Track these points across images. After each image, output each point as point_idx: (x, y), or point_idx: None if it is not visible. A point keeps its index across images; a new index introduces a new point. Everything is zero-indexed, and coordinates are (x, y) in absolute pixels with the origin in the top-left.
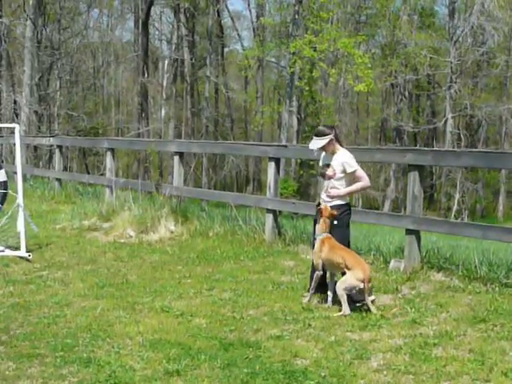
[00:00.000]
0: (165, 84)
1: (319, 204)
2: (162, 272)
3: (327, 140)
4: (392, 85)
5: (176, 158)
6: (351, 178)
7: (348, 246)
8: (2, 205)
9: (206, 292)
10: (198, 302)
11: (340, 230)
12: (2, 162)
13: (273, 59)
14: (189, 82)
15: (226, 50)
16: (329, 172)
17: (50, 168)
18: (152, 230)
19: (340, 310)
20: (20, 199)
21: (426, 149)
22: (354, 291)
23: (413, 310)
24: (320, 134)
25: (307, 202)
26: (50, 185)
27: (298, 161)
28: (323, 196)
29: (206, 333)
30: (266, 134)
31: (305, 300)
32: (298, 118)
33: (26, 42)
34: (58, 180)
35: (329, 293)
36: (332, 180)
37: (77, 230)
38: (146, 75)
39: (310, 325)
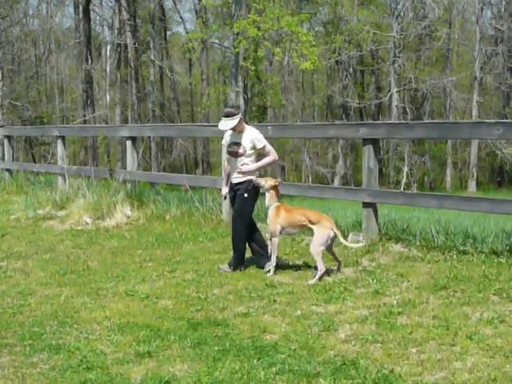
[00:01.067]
0: (108, 70)
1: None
2: (122, 257)
3: (238, 120)
4: (336, 62)
5: (128, 142)
6: (259, 154)
7: (251, 219)
8: None
9: (168, 274)
10: (162, 284)
11: (248, 202)
12: None
13: (216, 41)
14: (133, 67)
15: (168, 33)
16: (240, 150)
17: None
18: (108, 216)
19: (309, 279)
20: None
21: (379, 122)
22: (328, 241)
23: (374, 280)
24: (230, 115)
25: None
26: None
27: None
28: (234, 174)
29: (173, 314)
30: (213, 115)
31: (270, 274)
32: (244, 98)
33: None
34: (8, 170)
35: (268, 261)
36: (242, 157)
37: (32, 219)
38: (89, 62)
39: (275, 300)
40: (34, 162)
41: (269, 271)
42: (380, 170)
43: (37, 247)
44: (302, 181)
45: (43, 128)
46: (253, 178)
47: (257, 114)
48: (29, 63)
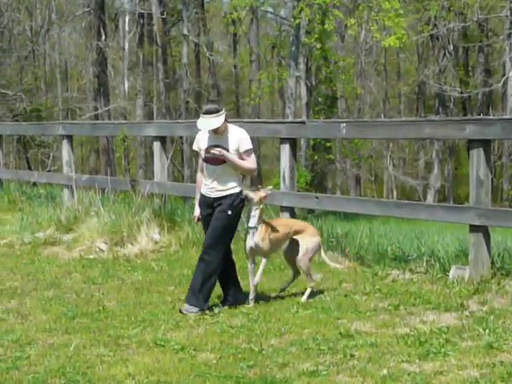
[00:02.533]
0: (127, 48)
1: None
2: (148, 295)
3: (223, 117)
4: (431, 36)
5: (156, 144)
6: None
7: (231, 239)
8: None
9: (209, 318)
10: (202, 331)
11: (231, 222)
12: None
13: (270, 9)
14: (159, 44)
15: None
16: (219, 152)
17: None
18: (129, 241)
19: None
20: None
21: (493, 118)
22: (317, 250)
23: (486, 330)
24: (213, 111)
25: (337, 196)
26: None
27: (311, 143)
28: (212, 184)
29: (218, 371)
30: (264, 108)
31: (251, 303)
32: (307, 86)
33: None
34: None
35: (252, 285)
36: (226, 163)
37: (29, 245)
38: (102, 37)
39: (352, 355)
40: (30, 168)
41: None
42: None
43: (36, 281)
44: (384, 195)
45: (44, 125)
46: (239, 189)
47: (324, 107)
48: (23, 39)
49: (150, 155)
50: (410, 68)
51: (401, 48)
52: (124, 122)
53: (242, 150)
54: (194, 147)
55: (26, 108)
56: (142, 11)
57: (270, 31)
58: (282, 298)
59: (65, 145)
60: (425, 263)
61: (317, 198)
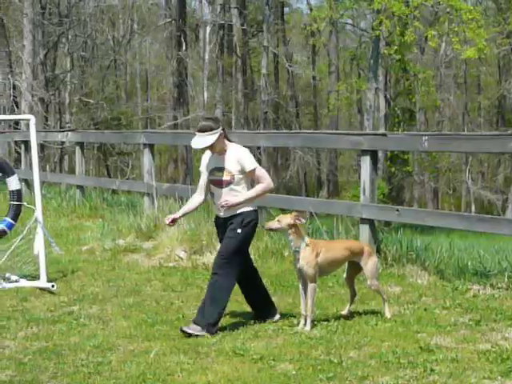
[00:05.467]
0: (207, 58)
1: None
2: (228, 304)
3: (217, 135)
4: None
5: None
6: (251, 179)
7: (244, 262)
8: (15, 221)
9: (288, 329)
10: (280, 342)
11: (241, 241)
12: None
13: (350, 21)
14: (239, 55)
15: (286, 10)
16: (225, 177)
17: (62, 172)
18: (209, 250)
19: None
20: (38, 213)
21: None
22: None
23: None
24: (207, 129)
25: (418, 209)
26: (68, 194)
27: (389, 155)
28: (219, 207)
29: (297, 382)
30: (343, 120)
31: (307, 328)
32: (385, 98)
33: (26, 7)
34: (80, 187)
35: (304, 311)
36: (231, 186)
37: (109, 251)
38: (182, 47)
39: (432, 370)
40: (109, 176)
41: (304, 324)
42: None
43: (117, 288)
44: (462, 209)
45: (125, 133)
46: (250, 207)
47: (402, 119)
48: (105, 49)
49: None
50: (491, 81)
51: (481, 60)
52: None
53: (247, 171)
54: (201, 168)
55: (107, 116)
56: (223, 22)
57: (350, 43)
58: (361, 310)
59: (146, 153)
60: (506, 279)
61: (397, 210)
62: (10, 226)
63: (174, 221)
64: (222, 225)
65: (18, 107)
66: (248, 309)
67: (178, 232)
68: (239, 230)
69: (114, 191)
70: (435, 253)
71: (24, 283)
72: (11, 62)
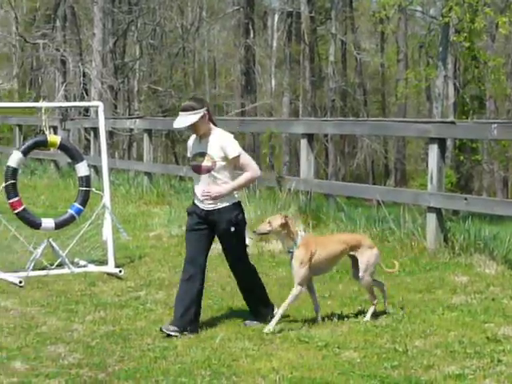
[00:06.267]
0: (275, 46)
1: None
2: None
3: (199, 115)
4: None
5: (303, 141)
6: (235, 166)
7: (247, 260)
8: (84, 207)
9: (353, 317)
10: (345, 329)
11: (239, 237)
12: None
13: (419, 8)
14: (307, 43)
15: None
16: (205, 163)
17: (131, 158)
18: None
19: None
20: (106, 199)
21: None
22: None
23: None
24: (188, 109)
25: (487, 198)
26: (136, 180)
27: (457, 143)
28: (202, 197)
29: (361, 370)
30: (410, 108)
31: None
32: (455, 85)
33: None
34: (147, 174)
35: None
36: (212, 172)
37: (176, 238)
38: (250, 35)
39: (500, 360)
40: (177, 163)
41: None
42: None
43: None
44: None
45: None
46: (233, 200)
47: (471, 108)
48: (174, 37)
49: (294, 152)
50: None
51: None
52: (272, 118)
53: (230, 157)
54: (188, 154)
55: (175, 104)
56: (291, 10)
57: (418, 30)
58: (427, 301)
59: None
60: None
61: (465, 199)
62: (79, 212)
63: None
64: (201, 217)
65: (87, 94)
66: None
67: None
68: (233, 229)
69: (181, 178)
70: (504, 242)
71: (92, 268)
72: (81, 50)
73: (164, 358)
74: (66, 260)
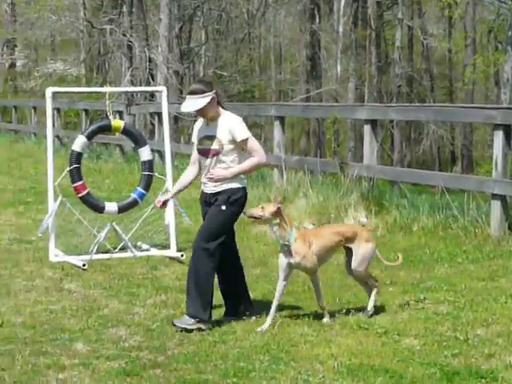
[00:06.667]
0: (341, 31)
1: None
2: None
3: (208, 99)
4: None
5: (367, 127)
6: (243, 150)
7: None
8: (147, 191)
9: (414, 304)
10: (406, 316)
11: (223, 218)
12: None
13: None
14: (373, 28)
15: None
16: (213, 146)
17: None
18: (336, 223)
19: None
20: (169, 184)
21: None
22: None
23: None
24: (197, 92)
25: None
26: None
27: None
28: (207, 179)
29: (421, 357)
30: (478, 94)
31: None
32: None
33: None
34: None
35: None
36: (219, 156)
37: (239, 224)
38: (316, 20)
39: None
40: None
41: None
42: None
43: (244, 259)
44: None
45: (256, 106)
46: (238, 184)
47: None
48: (239, 22)
49: (359, 138)
50: None
51: None
52: (336, 104)
53: (238, 140)
54: (193, 138)
55: (240, 89)
56: None
57: (487, 15)
58: (490, 289)
59: (276, 126)
60: None
61: None
62: (142, 196)
63: (164, 203)
64: (208, 202)
65: (153, 80)
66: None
67: (306, 205)
68: (223, 207)
69: None
70: None
71: (154, 252)
72: (148, 36)
73: (223, 343)
74: (129, 244)
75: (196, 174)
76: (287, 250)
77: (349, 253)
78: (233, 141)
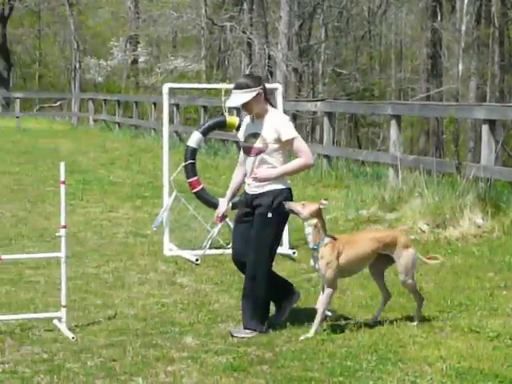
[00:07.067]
0: (464, 29)
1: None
2: (467, 279)
3: (254, 94)
4: None
5: (485, 127)
6: (288, 150)
7: (273, 255)
8: None
9: None
10: None
11: (272, 227)
12: None
13: None
14: (497, 26)
15: None
16: (257, 144)
17: (313, 141)
18: (451, 224)
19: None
20: None
21: None
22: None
23: None
24: (243, 87)
25: None
26: (315, 163)
27: None
28: (250, 179)
29: None
30: None
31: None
32: None
33: None
34: (327, 157)
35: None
36: (262, 155)
37: (352, 221)
38: (438, 18)
39: None
40: (360, 147)
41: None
42: None
43: None
44: None
45: (373, 104)
46: (282, 185)
47: None
48: (360, 20)
49: (479, 139)
50: None
51: None
52: (453, 103)
53: (283, 140)
54: (238, 135)
55: (359, 87)
56: None
57: None
58: None
59: (393, 125)
60: None
61: None
62: None
63: (224, 216)
64: (248, 204)
65: (272, 77)
66: (487, 285)
67: (421, 205)
68: (270, 215)
69: (362, 162)
70: None
71: None
72: (267, 33)
73: (331, 341)
74: None
75: (245, 175)
76: (315, 256)
77: (384, 260)
78: (278, 140)
